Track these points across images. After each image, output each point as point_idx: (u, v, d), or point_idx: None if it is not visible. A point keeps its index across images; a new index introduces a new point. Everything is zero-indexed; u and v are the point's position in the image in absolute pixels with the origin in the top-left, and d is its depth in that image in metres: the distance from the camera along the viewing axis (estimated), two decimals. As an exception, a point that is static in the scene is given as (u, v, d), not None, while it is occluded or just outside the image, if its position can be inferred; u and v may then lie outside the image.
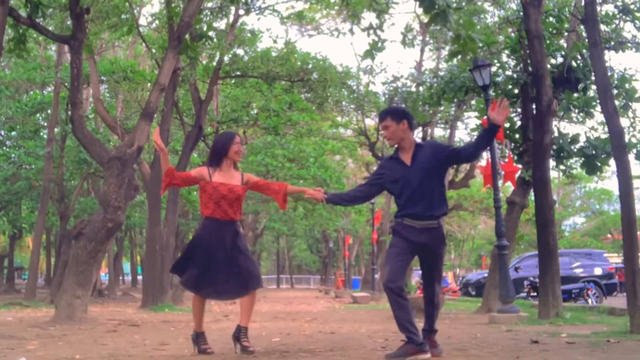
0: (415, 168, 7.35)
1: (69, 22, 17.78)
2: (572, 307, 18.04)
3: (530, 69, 15.89)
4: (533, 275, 23.59)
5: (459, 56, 11.46)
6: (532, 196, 16.54)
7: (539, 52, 14.62)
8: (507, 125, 17.02)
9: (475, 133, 26.03)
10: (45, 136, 29.74)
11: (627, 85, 17.01)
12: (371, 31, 11.80)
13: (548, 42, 16.65)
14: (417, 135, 31.62)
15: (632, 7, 17.16)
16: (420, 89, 23.51)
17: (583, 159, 17.06)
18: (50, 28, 20.46)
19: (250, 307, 8.00)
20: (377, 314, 18.10)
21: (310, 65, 26.72)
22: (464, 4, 18.00)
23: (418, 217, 7.32)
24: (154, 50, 23.60)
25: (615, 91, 16.34)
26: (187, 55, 19.04)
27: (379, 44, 11.81)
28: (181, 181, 8.22)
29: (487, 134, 7.37)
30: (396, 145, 7.60)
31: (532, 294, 23.89)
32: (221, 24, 26.93)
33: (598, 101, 14.49)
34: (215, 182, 7.88)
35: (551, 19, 17.47)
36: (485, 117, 15.77)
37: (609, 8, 17.79)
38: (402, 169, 7.44)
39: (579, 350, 8.00)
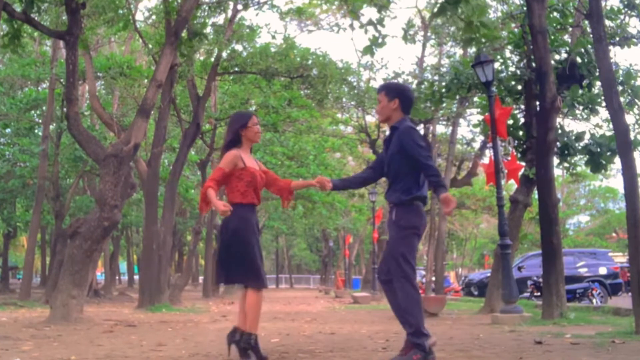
0: (389, 152, 7.33)
1: (64, 17, 17.72)
2: (577, 307, 18.04)
3: (533, 65, 15.87)
4: (536, 275, 23.55)
5: (474, 44, 11.46)
6: (535, 194, 16.55)
7: (542, 48, 14.60)
8: (510, 122, 17.01)
9: (478, 129, 26.07)
10: (40, 133, 29.73)
11: (632, 82, 17.01)
12: (371, 26, 11.80)
13: (552, 37, 16.63)
14: (419, 131, 31.58)
15: (637, 1, 17.15)
16: (422, 85, 23.48)
17: (587, 156, 17.06)
18: (46, 23, 20.43)
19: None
20: (378, 314, 18.10)
21: (309, 61, 26.71)
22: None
23: (387, 197, 7.33)
24: (150, 46, 23.58)
25: (620, 88, 16.35)
26: (181, 53, 19.04)
27: (380, 40, 11.81)
28: (221, 184, 7.68)
29: (433, 188, 7.15)
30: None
31: (535, 294, 23.87)
32: (219, 19, 26.95)
33: (603, 98, 14.47)
34: (251, 168, 7.58)
35: (555, 14, 17.45)
36: (487, 114, 15.79)
37: (614, 3, 17.87)
38: (384, 152, 7.49)
39: (584, 352, 8.00)
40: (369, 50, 11.98)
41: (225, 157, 7.61)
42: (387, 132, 7.73)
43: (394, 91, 7.43)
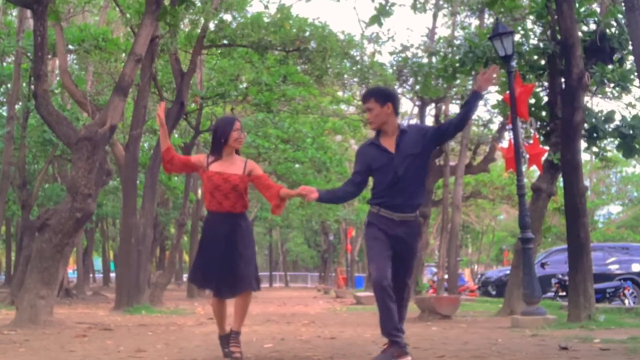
0: (400, 155, 7.69)
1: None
2: (607, 308, 18.07)
3: (558, 37, 15.85)
4: (562, 273, 23.60)
5: (497, 6, 11.48)
6: (560, 182, 16.53)
7: (568, 18, 14.57)
8: (532, 101, 17.00)
9: (495, 110, 26.05)
10: (4, 114, 29.68)
11: (669, 56, 16.97)
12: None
13: (579, 6, 16.61)
14: (430, 112, 31.66)
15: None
16: (433, 59, 23.43)
17: (619, 139, 17.03)
18: (10, -10, 20.41)
19: (243, 310, 8.23)
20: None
21: (307, 33, 26.64)
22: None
23: (397, 209, 7.67)
24: (129, 16, 23.52)
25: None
26: (166, 22, 18.99)
27: (387, 8, 11.81)
28: (180, 164, 8.49)
29: (470, 101, 7.87)
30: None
31: (560, 293, 23.91)
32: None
33: (636, 74, 14.43)
34: (210, 172, 8.14)
35: (583, -21, 17.43)
36: (506, 93, 15.78)
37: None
38: (385, 157, 7.76)
39: (614, 358, 8.02)
40: (375, 20, 12.00)
41: (198, 155, 8.67)
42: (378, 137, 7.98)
43: (385, 96, 7.88)
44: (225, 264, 8.04)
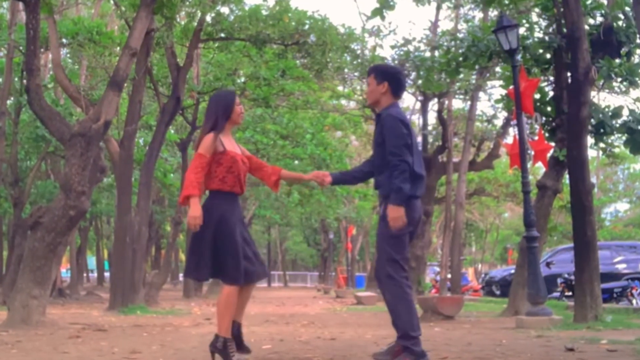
0: (374, 140, 7.82)
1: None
2: (614, 308, 18.08)
3: (564, 30, 15.84)
4: (568, 272, 23.60)
5: (495, 3, 11.46)
6: (566, 179, 16.52)
7: (574, 11, 14.56)
8: (537, 96, 16.98)
9: (500, 105, 26.04)
10: (-5, 109, 29.67)
11: (678, 49, 16.98)
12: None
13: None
14: (433, 107, 31.62)
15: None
16: (436, 53, 23.39)
17: (626, 135, 17.03)
18: (2, -18, 20.39)
19: (245, 304, 8.10)
20: (384, 316, 18.04)
21: (306, 26, 26.61)
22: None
23: (376, 187, 7.79)
24: (123, 9, 23.50)
25: (664, 56, 16.32)
26: (162, 15, 18.98)
27: (390, 1, 11.80)
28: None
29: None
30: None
31: (566, 293, 23.92)
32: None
33: (644, 68, 14.41)
34: (232, 152, 7.82)
35: (589, -30, 17.41)
36: (511, 87, 15.76)
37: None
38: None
39: (622, 359, 8.00)
40: (378, 13, 11.98)
41: (204, 142, 7.75)
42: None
43: (383, 74, 7.85)
44: (248, 246, 7.83)
